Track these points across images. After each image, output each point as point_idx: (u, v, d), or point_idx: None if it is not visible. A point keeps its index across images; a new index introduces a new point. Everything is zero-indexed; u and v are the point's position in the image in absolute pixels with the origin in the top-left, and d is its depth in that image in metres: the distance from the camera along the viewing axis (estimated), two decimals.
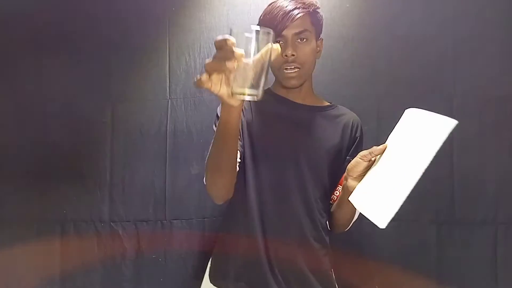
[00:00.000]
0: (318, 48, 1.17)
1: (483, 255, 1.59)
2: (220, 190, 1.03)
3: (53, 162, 1.77)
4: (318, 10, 1.13)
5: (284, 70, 1.11)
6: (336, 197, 1.18)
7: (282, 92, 1.20)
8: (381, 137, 1.62)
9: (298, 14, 1.06)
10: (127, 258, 1.71)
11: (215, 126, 1.02)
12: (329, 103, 1.26)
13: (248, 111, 1.17)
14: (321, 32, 1.18)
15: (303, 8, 1.07)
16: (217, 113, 1.12)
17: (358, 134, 1.21)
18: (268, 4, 1.12)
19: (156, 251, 1.71)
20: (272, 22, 1.07)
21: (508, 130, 1.62)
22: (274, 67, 1.13)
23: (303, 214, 1.12)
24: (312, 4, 1.11)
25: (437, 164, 1.59)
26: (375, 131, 1.61)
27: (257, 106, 1.18)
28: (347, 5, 1.70)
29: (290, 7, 1.06)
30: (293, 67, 1.10)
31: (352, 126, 1.21)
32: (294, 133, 1.16)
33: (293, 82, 1.13)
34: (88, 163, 1.76)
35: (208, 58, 1.70)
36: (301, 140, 1.15)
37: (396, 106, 1.63)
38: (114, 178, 1.74)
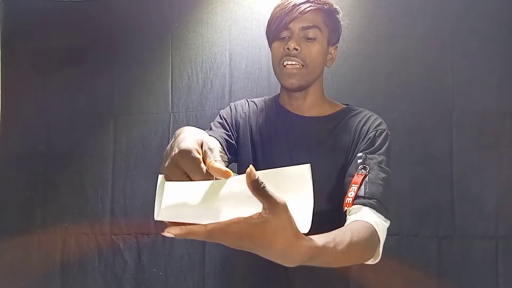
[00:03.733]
0: (330, 56, 1.09)
1: (484, 269, 1.59)
2: None
3: (54, 175, 1.78)
4: (333, 9, 1.05)
5: (284, 65, 1.02)
6: (351, 199, 0.92)
7: (285, 101, 1.13)
8: None
9: (309, 7, 0.99)
10: (128, 271, 1.71)
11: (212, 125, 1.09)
12: (344, 106, 1.14)
13: (253, 118, 1.13)
14: (337, 38, 1.10)
15: (316, 3, 1.00)
16: (221, 115, 1.13)
17: (371, 133, 1.02)
18: None
19: (156, 265, 1.71)
20: (281, 13, 1.00)
21: (507, 144, 1.63)
22: (275, 62, 1.05)
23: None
24: (328, 3, 1.03)
25: (437, 179, 1.63)
26: None
27: (264, 115, 1.13)
28: (347, 21, 1.72)
29: (302, 0, 1.00)
30: (294, 62, 1.00)
31: (364, 124, 1.05)
32: (292, 150, 1.07)
33: (293, 81, 1.02)
34: (89, 175, 1.77)
35: (209, 73, 1.76)
36: (301, 158, 1.01)
37: (396, 121, 1.66)
38: (115, 191, 1.75)
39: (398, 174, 1.63)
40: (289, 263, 0.56)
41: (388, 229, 0.91)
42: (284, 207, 0.50)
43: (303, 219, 0.54)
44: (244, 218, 0.50)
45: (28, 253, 1.73)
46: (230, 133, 1.09)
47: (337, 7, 1.06)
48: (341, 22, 1.09)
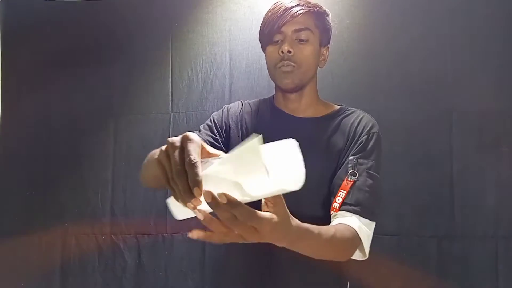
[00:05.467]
0: (322, 56, 1.12)
1: (483, 270, 1.58)
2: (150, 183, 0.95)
3: (55, 175, 1.78)
4: (323, 12, 1.09)
5: (279, 68, 1.05)
6: (338, 204, 0.97)
7: (280, 102, 1.14)
8: None
9: (299, 10, 1.03)
10: (128, 271, 1.71)
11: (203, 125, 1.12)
12: (338, 107, 1.15)
13: (248, 119, 1.14)
14: (328, 39, 1.13)
15: (307, 6, 1.04)
16: (212, 118, 1.14)
17: (363, 137, 1.04)
18: (273, 3, 1.10)
19: (156, 265, 1.71)
20: (273, 17, 1.04)
21: (507, 144, 1.63)
22: (270, 66, 1.08)
23: None
24: (318, 5, 1.07)
25: (437, 179, 1.63)
26: None
27: (259, 116, 1.14)
28: (347, 21, 1.73)
29: (292, 4, 1.04)
30: (287, 65, 1.04)
31: (357, 125, 1.07)
32: None
33: (287, 81, 1.05)
34: (90, 176, 1.77)
35: (209, 73, 1.77)
36: None
37: (396, 120, 1.66)
38: (115, 191, 1.75)
39: (398, 174, 1.64)
40: (278, 240, 0.62)
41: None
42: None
43: (295, 173, 0.55)
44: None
45: (28, 253, 1.74)
46: (218, 136, 1.11)
47: (326, 9, 1.09)
48: (331, 24, 1.12)
